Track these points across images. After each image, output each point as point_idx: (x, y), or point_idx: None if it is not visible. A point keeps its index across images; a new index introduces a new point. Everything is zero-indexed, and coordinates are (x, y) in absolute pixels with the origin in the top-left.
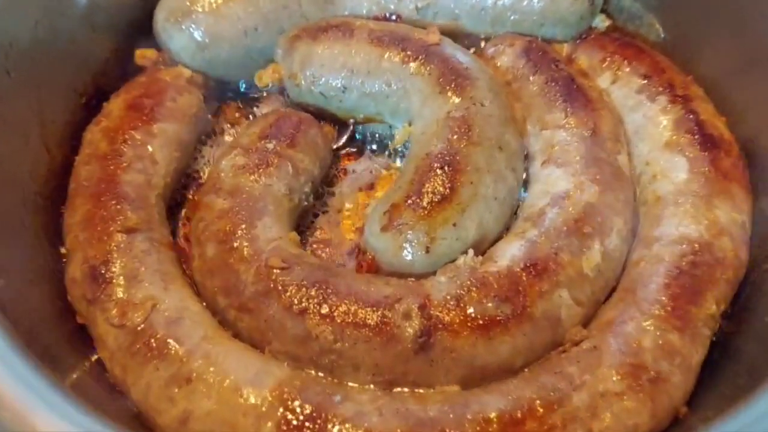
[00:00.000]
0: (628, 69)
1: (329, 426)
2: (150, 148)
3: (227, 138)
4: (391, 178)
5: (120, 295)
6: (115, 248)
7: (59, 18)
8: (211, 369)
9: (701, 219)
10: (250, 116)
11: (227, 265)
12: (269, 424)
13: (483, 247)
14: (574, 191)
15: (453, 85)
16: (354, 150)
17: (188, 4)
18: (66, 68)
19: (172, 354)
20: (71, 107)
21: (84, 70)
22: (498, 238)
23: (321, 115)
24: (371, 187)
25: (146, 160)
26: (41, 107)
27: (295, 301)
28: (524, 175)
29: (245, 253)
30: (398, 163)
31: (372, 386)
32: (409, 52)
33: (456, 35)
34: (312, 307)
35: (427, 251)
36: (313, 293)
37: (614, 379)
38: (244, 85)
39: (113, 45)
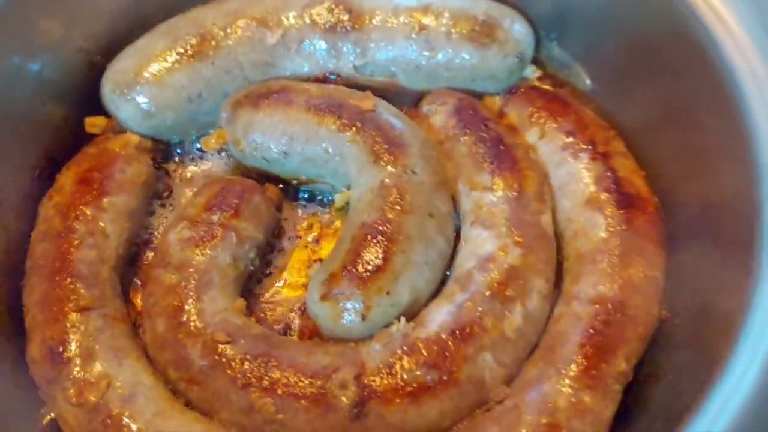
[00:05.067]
0: (554, 125)
1: None
2: (101, 224)
3: (177, 196)
4: (334, 233)
5: (77, 374)
6: (70, 327)
7: (8, 97)
8: None
9: (616, 278)
10: (198, 170)
11: (176, 340)
12: None
13: (417, 308)
14: (497, 254)
15: (386, 154)
16: (300, 207)
17: (133, 75)
18: (18, 145)
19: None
20: (25, 181)
21: (36, 143)
22: (431, 298)
23: (267, 174)
24: (317, 241)
25: (98, 236)
26: None
27: (239, 376)
28: (455, 235)
29: (193, 327)
30: (341, 214)
31: None
32: (344, 120)
33: (393, 91)
34: (254, 380)
35: (364, 318)
36: (255, 367)
37: None
38: (192, 145)
39: (63, 115)
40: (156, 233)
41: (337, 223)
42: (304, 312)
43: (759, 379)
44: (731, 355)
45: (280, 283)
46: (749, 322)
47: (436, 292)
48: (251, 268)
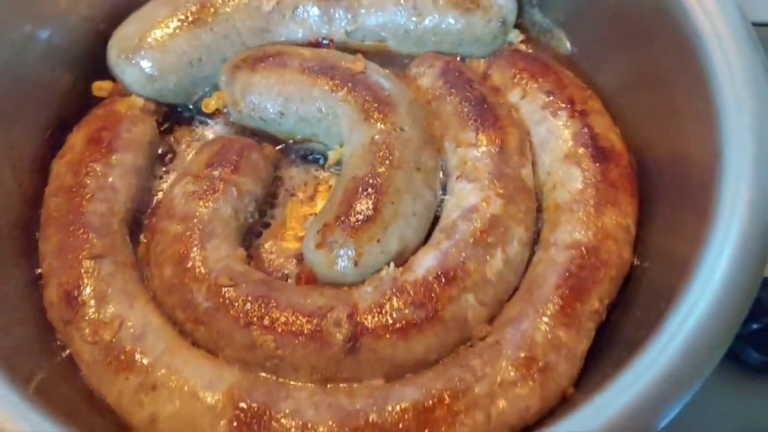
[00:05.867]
0: (535, 85)
1: (273, 422)
2: (110, 179)
3: (181, 159)
4: (328, 190)
5: (92, 315)
6: (84, 273)
7: (21, 63)
8: (173, 377)
9: (591, 226)
10: (200, 133)
11: (183, 285)
12: (223, 421)
13: (406, 256)
14: (481, 204)
15: (376, 112)
16: (295, 165)
17: (137, 41)
18: (31, 108)
19: (139, 366)
20: (38, 142)
21: (47, 106)
22: (419, 247)
23: (264, 135)
24: (311, 198)
25: (107, 190)
26: (12, 148)
27: (242, 315)
28: (442, 190)
29: (197, 273)
30: (334, 172)
31: (310, 384)
32: (337, 81)
33: (383, 55)
34: (256, 319)
35: (356, 264)
36: (256, 307)
37: (510, 370)
38: (193, 108)
39: (72, 79)
40: (161, 193)
41: (330, 181)
42: (300, 261)
43: (708, 308)
44: (687, 288)
45: (278, 236)
46: (703, 261)
47: (424, 243)
48: (251, 221)
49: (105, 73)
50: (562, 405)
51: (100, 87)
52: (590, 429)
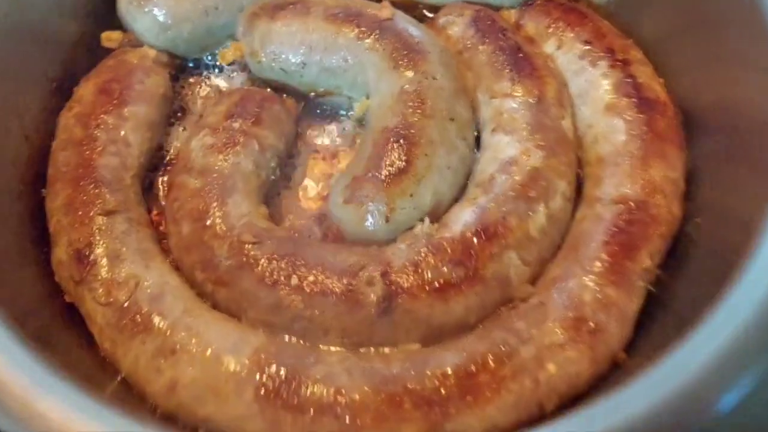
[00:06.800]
0: (571, 35)
1: (303, 388)
2: (123, 132)
3: (195, 114)
4: (351, 147)
5: (105, 275)
6: (97, 230)
7: (27, 8)
8: (193, 340)
9: (637, 179)
10: (215, 87)
11: (202, 242)
12: (250, 388)
13: (439, 213)
14: (520, 157)
15: (406, 60)
16: (317, 121)
17: None
18: (37, 57)
19: (157, 328)
20: (44, 94)
21: (53, 56)
22: (453, 203)
23: (283, 89)
24: (334, 156)
25: (120, 143)
26: (17, 98)
27: (267, 274)
28: (475, 142)
29: (218, 229)
30: (358, 130)
31: (341, 348)
32: (363, 28)
33: (410, 5)
34: (282, 278)
35: (387, 220)
36: (283, 265)
37: (558, 332)
38: (209, 60)
39: (80, 29)
40: (174, 150)
41: (354, 137)
42: (324, 221)
43: None
44: (751, 252)
45: (300, 195)
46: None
47: (457, 199)
48: (272, 177)
49: (114, 23)
50: (612, 374)
51: (110, 37)
52: (642, 406)
